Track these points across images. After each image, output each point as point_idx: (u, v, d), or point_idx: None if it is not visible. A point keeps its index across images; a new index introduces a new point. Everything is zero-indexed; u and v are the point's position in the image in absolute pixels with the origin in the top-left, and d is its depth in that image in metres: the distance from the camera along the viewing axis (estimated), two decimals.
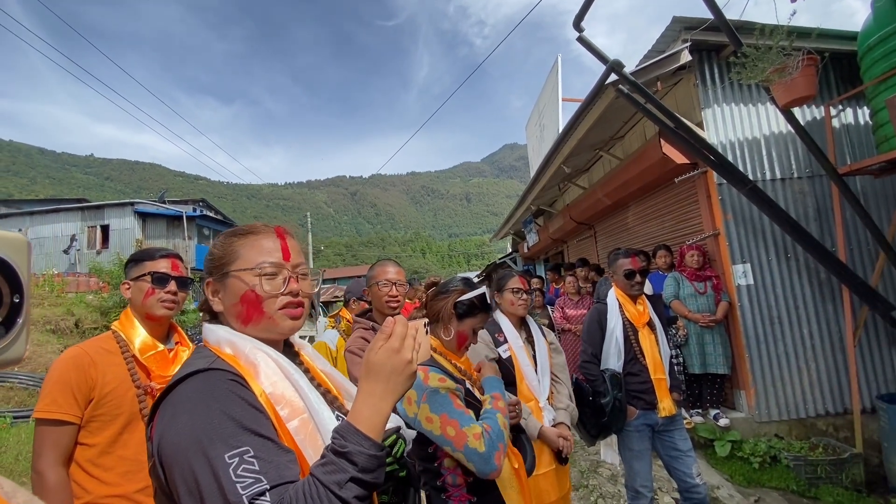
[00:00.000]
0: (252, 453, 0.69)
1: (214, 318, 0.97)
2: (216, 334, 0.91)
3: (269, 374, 0.85)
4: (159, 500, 0.80)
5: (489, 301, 1.64)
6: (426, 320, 0.97)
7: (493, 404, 1.46)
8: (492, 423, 1.39)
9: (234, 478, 0.66)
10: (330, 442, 0.74)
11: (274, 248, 0.96)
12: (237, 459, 0.68)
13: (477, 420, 1.41)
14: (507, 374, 2.10)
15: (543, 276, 10.17)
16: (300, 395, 0.87)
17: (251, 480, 0.67)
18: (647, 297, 2.76)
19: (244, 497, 0.65)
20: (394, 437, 1.12)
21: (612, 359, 2.57)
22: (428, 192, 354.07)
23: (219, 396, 0.75)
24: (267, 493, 0.66)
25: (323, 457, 0.72)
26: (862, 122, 4.70)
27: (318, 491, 0.67)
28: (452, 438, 1.35)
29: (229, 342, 0.89)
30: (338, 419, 0.91)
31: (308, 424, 0.84)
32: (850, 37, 4.27)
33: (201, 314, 1.00)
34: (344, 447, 0.71)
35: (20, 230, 18.61)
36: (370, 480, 0.72)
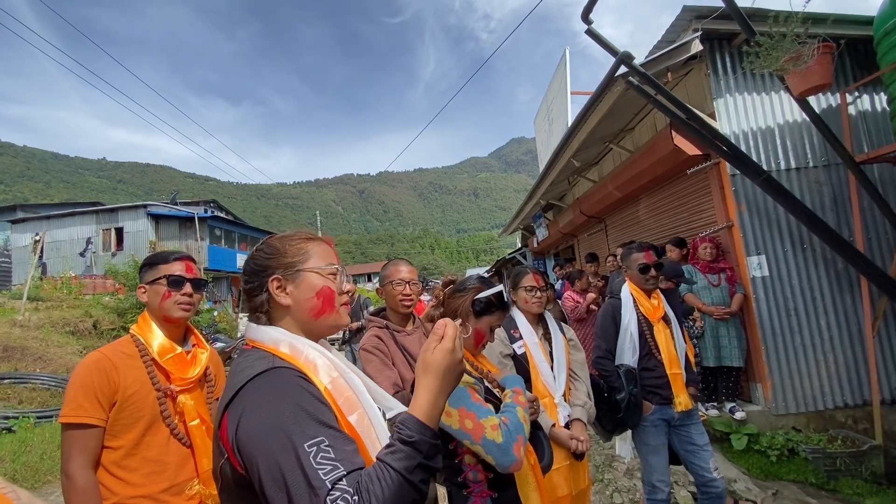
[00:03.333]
0: (327, 443, 0.76)
1: (263, 317, 1.03)
2: (271, 336, 0.98)
3: (328, 372, 0.93)
4: (227, 493, 0.89)
5: (506, 299, 1.64)
6: (460, 320, 1.03)
7: (513, 398, 1.46)
8: (511, 415, 1.40)
9: (315, 465, 0.73)
10: (395, 432, 0.82)
11: (332, 253, 1.09)
12: (315, 448, 0.75)
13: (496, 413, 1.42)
14: (522, 370, 2.11)
15: (550, 272, 10.14)
16: (353, 391, 0.95)
17: (330, 467, 0.73)
18: (662, 290, 2.74)
19: (326, 482, 0.72)
20: None
21: (627, 354, 2.55)
22: (435, 188, 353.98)
23: (291, 392, 0.83)
24: (344, 479, 0.73)
25: (390, 445, 0.80)
26: (879, 108, 4.59)
27: (391, 475, 0.74)
28: (470, 431, 1.35)
29: (287, 343, 0.96)
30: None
31: (364, 418, 0.92)
32: (866, 21, 4.18)
33: (247, 314, 1.07)
34: (411, 437, 0.79)
35: (37, 234, 18.99)
36: (433, 465, 0.81)
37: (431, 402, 0.86)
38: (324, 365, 0.94)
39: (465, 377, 1.45)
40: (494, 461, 1.34)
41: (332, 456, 0.75)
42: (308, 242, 1.06)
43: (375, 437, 0.92)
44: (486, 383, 1.56)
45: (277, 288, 1.01)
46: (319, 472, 0.72)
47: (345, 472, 0.73)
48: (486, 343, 1.65)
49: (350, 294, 1.09)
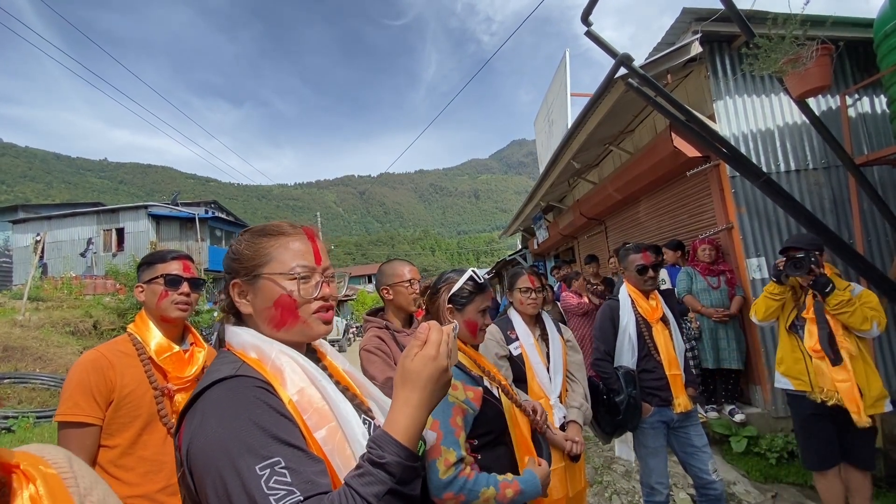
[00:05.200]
0: (283, 464, 0.68)
1: (239, 319, 0.95)
2: (241, 338, 0.89)
3: (295, 381, 0.83)
4: None
5: (480, 279, 1.60)
6: (455, 324, 0.94)
7: (502, 483, 1.33)
8: (480, 480, 1.31)
9: (266, 490, 0.64)
10: (366, 451, 0.72)
11: (306, 250, 0.94)
12: (268, 471, 0.66)
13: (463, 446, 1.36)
14: (518, 371, 2.10)
15: (547, 273, 10.14)
16: (327, 402, 0.84)
17: (284, 492, 0.65)
18: (660, 291, 2.73)
19: None
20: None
21: (626, 356, 2.54)
22: (436, 189, 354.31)
23: (247, 404, 0.73)
24: None
25: (359, 467, 0.70)
26: (879, 111, 4.60)
27: (356, 502, 0.65)
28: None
29: (254, 346, 0.86)
30: (364, 423, 0.89)
31: (336, 433, 0.82)
32: (866, 24, 4.18)
33: (220, 315, 0.99)
34: (381, 458, 0.69)
35: (38, 234, 19.02)
36: (407, 493, 0.70)
37: (410, 417, 0.75)
38: (292, 373, 0.83)
39: (458, 391, 1.41)
40: (429, 482, 1.28)
41: (288, 479, 0.66)
42: (273, 240, 0.93)
43: (350, 455, 0.81)
44: (486, 383, 1.55)
45: (238, 294, 0.92)
46: (271, 498, 0.64)
47: (301, 498, 0.65)
48: (482, 327, 1.61)
49: (328, 298, 0.95)
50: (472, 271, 1.61)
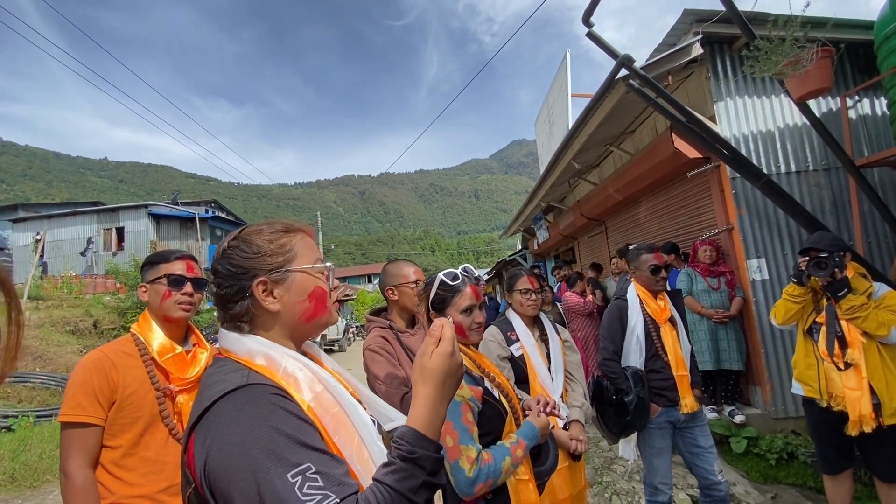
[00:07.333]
0: (314, 469, 0.67)
1: (246, 326, 0.90)
2: (245, 345, 0.86)
3: (310, 386, 0.83)
4: None
5: (450, 280, 1.59)
6: (451, 320, 0.96)
7: (512, 447, 1.43)
8: (497, 457, 1.37)
9: (301, 497, 0.64)
10: (393, 448, 0.74)
11: (314, 246, 0.99)
12: (300, 478, 0.66)
13: (476, 441, 1.39)
14: (520, 372, 2.11)
15: (547, 274, 10.14)
16: (342, 407, 0.85)
17: (320, 497, 0.65)
18: (667, 292, 2.73)
19: None
20: None
21: (634, 356, 2.53)
22: (436, 189, 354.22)
23: (266, 412, 0.72)
24: None
25: (390, 464, 0.72)
26: (879, 112, 4.60)
27: (393, 498, 0.68)
28: (448, 448, 1.35)
29: (263, 354, 0.85)
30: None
31: (353, 438, 0.83)
32: (867, 26, 4.19)
33: (221, 321, 0.95)
34: (413, 452, 0.72)
35: (38, 233, 19.01)
36: (436, 482, 0.74)
37: (432, 412, 0.79)
38: (305, 378, 0.83)
39: (464, 389, 1.43)
40: (454, 485, 1.34)
41: (321, 484, 0.66)
42: (291, 237, 0.94)
43: (368, 458, 0.82)
44: (487, 384, 1.55)
45: (263, 292, 0.88)
46: None
47: (338, 500, 0.65)
48: (471, 325, 1.59)
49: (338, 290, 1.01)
50: (441, 275, 1.61)
